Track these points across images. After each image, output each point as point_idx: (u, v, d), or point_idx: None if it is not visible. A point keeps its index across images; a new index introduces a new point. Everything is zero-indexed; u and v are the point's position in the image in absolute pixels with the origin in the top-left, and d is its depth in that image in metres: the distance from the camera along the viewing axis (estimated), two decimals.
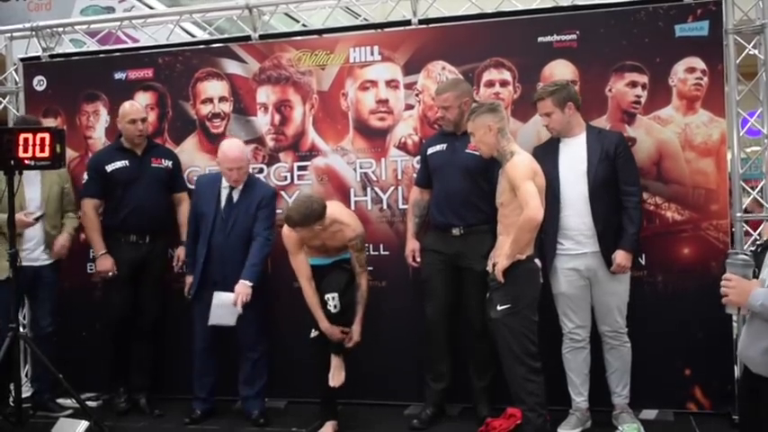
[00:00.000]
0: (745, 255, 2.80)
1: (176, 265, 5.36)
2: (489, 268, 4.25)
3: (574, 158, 4.46)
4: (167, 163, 5.32)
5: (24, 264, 4.87)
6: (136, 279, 5.23)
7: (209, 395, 5.13)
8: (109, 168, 5.19)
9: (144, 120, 5.23)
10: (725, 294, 2.78)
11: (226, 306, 4.78)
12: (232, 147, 4.97)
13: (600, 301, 4.49)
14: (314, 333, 4.65)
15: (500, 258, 4.09)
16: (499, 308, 4.09)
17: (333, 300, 4.58)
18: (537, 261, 4.22)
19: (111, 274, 5.16)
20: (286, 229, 4.56)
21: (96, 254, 5.22)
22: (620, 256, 4.36)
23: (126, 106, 5.24)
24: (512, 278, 4.06)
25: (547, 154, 4.53)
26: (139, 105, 5.32)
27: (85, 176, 5.32)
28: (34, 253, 5.17)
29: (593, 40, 4.80)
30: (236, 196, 4.97)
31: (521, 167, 4.05)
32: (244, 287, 4.77)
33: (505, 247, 4.07)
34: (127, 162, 5.20)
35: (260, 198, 4.95)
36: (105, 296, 5.35)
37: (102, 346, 5.33)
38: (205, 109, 5.48)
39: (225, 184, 4.99)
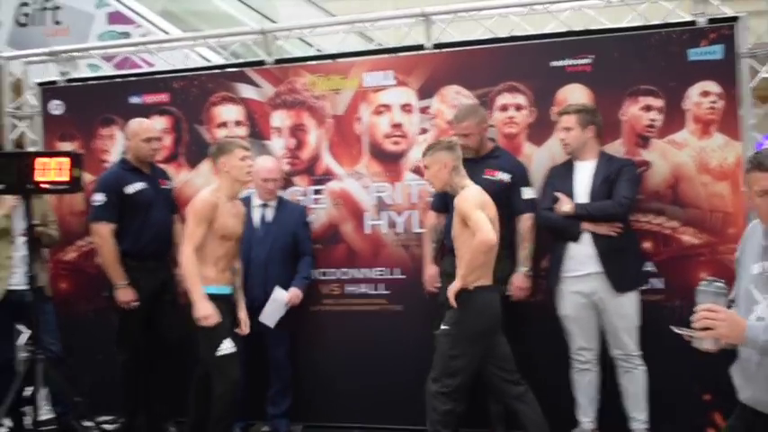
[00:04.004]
0: (720, 282, 2.51)
1: None
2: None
3: (582, 182, 4.51)
4: (170, 184, 5.28)
5: (15, 288, 4.93)
6: (154, 306, 5.06)
7: (243, 413, 5.03)
8: (129, 190, 4.98)
9: (159, 139, 5.14)
10: (708, 327, 2.41)
11: (278, 303, 4.90)
12: (267, 159, 5.09)
13: (608, 324, 4.47)
14: (227, 347, 4.39)
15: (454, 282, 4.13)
16: (441, 327, 4.17)
17: None
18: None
19: (132, 305, 4.96)
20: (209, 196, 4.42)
21: (117, 284, 4.95)
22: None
23: (139, 124, 5.11)
24: (461, 303, 4.10)
25: (562, 175, 4.59)
26: (152, 123, 5.23)
27: (95, 199, 5.02)
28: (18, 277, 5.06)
29: (607, 64, 4.75)
30: (269, 214, 5.03)
31: (470, 199, 4.11)
32: (296, 292, 4.93)
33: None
34: (145, 184, 5.04)
35: (297, 215, 5.05)
36: (123, 324, 5.08)
37: (118, 369, 5.23)
38: (220, 133, 5.41)
39: (255, 203, 5.03)
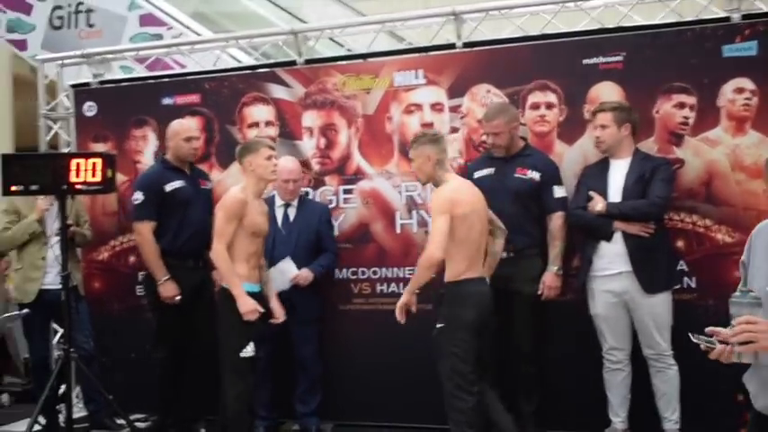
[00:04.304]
0: (754, 292, 2.38)
1: None
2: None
3: (615, 180, 4.55)
4: (210, 185, 5.41)
5: (49, 287, 5.14)
6: (192, 305, 5.14)
7: (269, 412, 5.19)
8: (168, 188, 5.10)
9: (198, 138, 5.28)
10: (747, 340, 2.25)
11: (284, 275, 4.98)
12: (288, 159, 5.19)
13: (639, 324, 4.52)
14: (251, 350, 4.47)
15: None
16: (437, 326, 4.21)
17: None
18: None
19: (177, 299, 5.04)
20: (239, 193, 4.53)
21: (160, 280, 5.05)
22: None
23: (180, 123, 5.26)
24: (448, 299, 4.20)
25: (596, 173, 4.64)
26: (192, 122, 5.37)
27: (136, 198, 5.14)
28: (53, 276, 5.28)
29: (640, 61, 4.76)
30: (291, 214, 5.16)
31: (438, 200, 4.21)
32: (306, 273, 5.01)
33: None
34: (183, 182, 5.16)
35: (319, 213, 5.17)
36: (161, 322, 5.18)
37: (150, 367, 5.35)
38: (251, 133, 5.51)
39: (278, 203, 5.16)
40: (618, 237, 4.48)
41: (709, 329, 2.32)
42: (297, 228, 5.14)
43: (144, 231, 5.09)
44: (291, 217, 5.19)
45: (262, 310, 4.46)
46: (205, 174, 5.47)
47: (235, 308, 4.38)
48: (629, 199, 4.48)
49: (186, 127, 5.24)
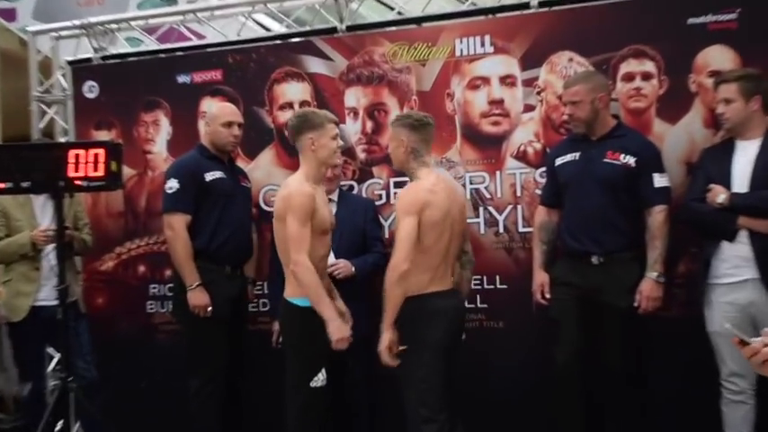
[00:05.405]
0: None
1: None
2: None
3: (742, 165, 4.43)
4: (249, 184, 5.43)
5: (43, 303, 5.18)
6: (230, 320, 5.11)
7: None
8: (208, 177, 5.11)
9: (240, 125, 5.28)
10: None
11: None
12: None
13: None
14: (322, 379, 4.38)
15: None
16: (399, 348, 4.23)
17: None
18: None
19: (209, 310, 4.99)
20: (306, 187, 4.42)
21: (190, 285, 4.98)
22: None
23: (220, 107, 5.33)
24: (409, 317, 4.19)
25: (717, 158, 4.54)
26: (235, 108, 5.38)
27: (170, 186, 5.10)
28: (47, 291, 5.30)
29: (759, 19, 4.68)
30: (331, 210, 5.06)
31: (406, 199, 4.25)
32: (347, 265, 4.97)
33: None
34: (223, 174, 5.17)
35: (364, 209, 5.17)
36: (197, 341, 5.08)
37: (163, 397, 5.40)
38: (284, 116, 5.52)
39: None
40: (743, 236, 4.37)
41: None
42: (338, 226, 4.96)
43: (177, 225, 5.05)
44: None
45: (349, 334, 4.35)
46: (244, 172, 5.48)
47: (305, 329, 4.32)
48: (759, 189, 4.35)
49: (227, 111, 5.29)
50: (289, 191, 4.38)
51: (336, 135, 4.49)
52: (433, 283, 4.25)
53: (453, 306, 4.33)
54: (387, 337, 4.21)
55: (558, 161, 4.81)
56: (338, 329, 4.25)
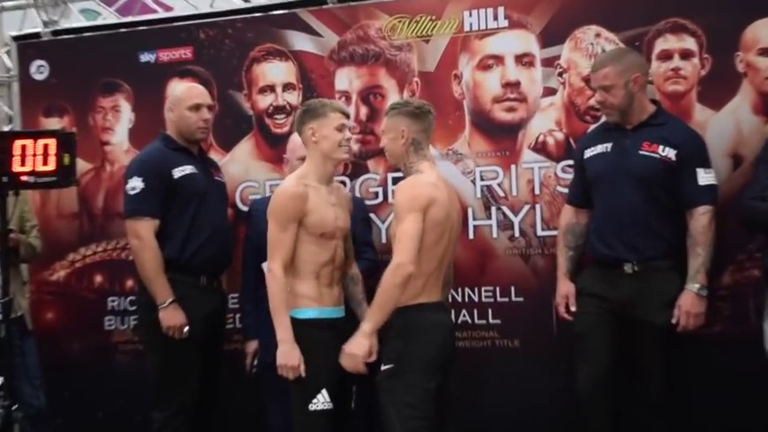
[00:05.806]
0: None
1: None
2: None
3: None
4: (223, 178, 5.27)
5: None
6: (205, 341, 4.95)
7: None
8: (177, 174, 4.91)
9: (211, 107, 5.12)
10: None
11: None
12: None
13: None
14: (323, 401, 4.26)
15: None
16: (383, 367, 4.15)
17: None
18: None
19: (185, 331, 4.79)
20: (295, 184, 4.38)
21: (162, 302, 4.78)
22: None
23: (184, 88, 5.18)
24: (400, 330, 4.13)
25: None
26: (202, 88, 5.24)
27: (133, 186, 4.88)
28: None
29: None
30: None
31: (410, 194, 4.16)
32: None
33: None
34: (194, 168, 4.99)
35: (353, 209, 4.87)
36: (168, 365, 4.89)
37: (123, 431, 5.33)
38: (264, 101, 5.51)
39: None
40: None
41: None
42: None
43: (143, 232, 4.83)
44: None
45: (303, 372, 4.25)
46: (215, 163, 5.36)
47: (299, 344, 4.22)
48: None
49: (195, 92, 5.11)
50: (277, 189, 4.43)
51: (342, 126, 4.41)
52: (424, 291, 4.17)
53: (445, 321, 4.30)
54: (367, 343, 4.11)
55: (588, 153, 4.70)
56: (283, 355, 4.20)
